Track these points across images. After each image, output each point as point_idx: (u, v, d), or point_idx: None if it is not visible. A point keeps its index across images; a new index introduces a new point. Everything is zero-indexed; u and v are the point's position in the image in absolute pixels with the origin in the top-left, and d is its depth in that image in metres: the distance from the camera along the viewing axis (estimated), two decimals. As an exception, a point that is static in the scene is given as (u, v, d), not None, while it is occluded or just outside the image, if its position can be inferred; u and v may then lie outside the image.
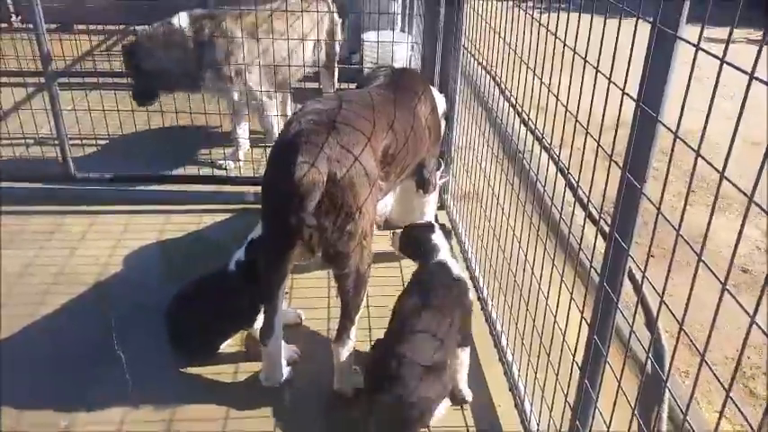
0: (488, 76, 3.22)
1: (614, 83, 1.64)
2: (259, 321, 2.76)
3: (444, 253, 2.73)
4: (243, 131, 4.57)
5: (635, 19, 1.51)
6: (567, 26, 1.91)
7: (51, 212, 3.90)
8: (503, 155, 3.12)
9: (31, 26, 3.82)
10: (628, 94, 1.56)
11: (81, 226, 3.78)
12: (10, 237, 3.66)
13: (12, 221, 3.80)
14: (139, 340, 2.90)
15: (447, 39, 3.69)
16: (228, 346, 2.89)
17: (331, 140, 2.35)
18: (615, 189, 1.65)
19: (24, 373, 2.73)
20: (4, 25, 6.94)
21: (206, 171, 4.23)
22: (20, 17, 7.14)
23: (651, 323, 3.25)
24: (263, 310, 2.67)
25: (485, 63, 3.24)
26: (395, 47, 4.90)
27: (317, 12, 4.43)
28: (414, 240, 2.83)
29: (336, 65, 4.99)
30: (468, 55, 3.59)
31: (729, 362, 3.12)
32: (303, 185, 2.24)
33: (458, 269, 2.68)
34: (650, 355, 1.52)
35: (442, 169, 3.69)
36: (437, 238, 2.78)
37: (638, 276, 3.13)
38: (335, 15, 4.77)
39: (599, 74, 1.70)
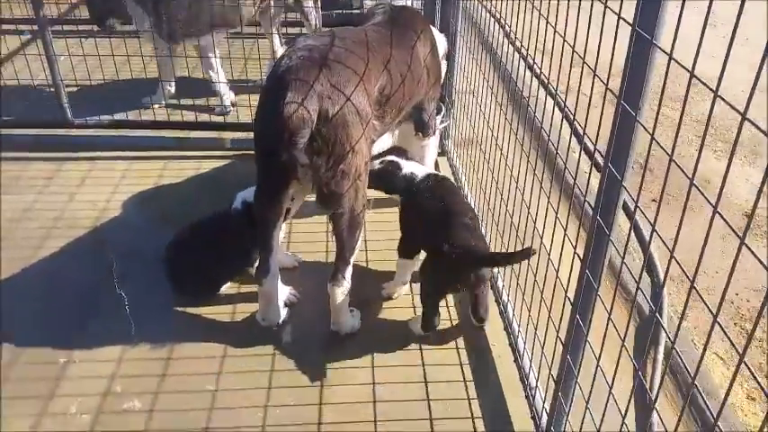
0: (491, 17, 3.13)
1: (610, 8, 1.58)
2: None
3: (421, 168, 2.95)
4: (216, 76, 4.42)
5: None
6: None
7: (50, 159, 3.89)
8: (505, 99, 3.06)
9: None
10: (623, 19, 1.51)
11: (79, 172, 3.77)
12: (9, 182, 3.66)
13: (10, 167, 3.80)
14: (138, 282, 2.92)
15: (448, -23, 3.58)
16: (227, 287, 2.91)
17: (322, 77, 2.30)
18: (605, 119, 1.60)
19: (23, 312, 2.77)
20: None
21: (204, 118, 4.18)
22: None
23: (651, 265, 3.24)
24: (261, 249, 2.67)
25: (487, 3, 3.14)
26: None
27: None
28: (387, 179, 2.90)
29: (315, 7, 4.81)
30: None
31: (728, 305, 3.12)
32: (293, 122, 2.20)
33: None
34: (644, 294, 1.50)
35: (442, 113, 3.63)
36: (406, 164, 2.92)
37: (642, 220, 3.13)
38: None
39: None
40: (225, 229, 2.84)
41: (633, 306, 1.56)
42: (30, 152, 3.93)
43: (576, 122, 1.92)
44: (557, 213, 2.01)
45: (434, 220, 2.66)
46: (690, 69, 1.22)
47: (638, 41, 1.44)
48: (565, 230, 1.93)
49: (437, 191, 2.80)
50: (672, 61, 1.30)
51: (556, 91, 2.13)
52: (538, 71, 2.43)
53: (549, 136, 2.18)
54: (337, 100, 2.32)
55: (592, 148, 2.36)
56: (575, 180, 1.86)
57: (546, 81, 2.32)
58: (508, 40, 3.05)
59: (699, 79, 1.25)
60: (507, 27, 2.67)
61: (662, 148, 1.37)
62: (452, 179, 3.71)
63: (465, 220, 2.63)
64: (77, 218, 3.36)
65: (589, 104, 1.82)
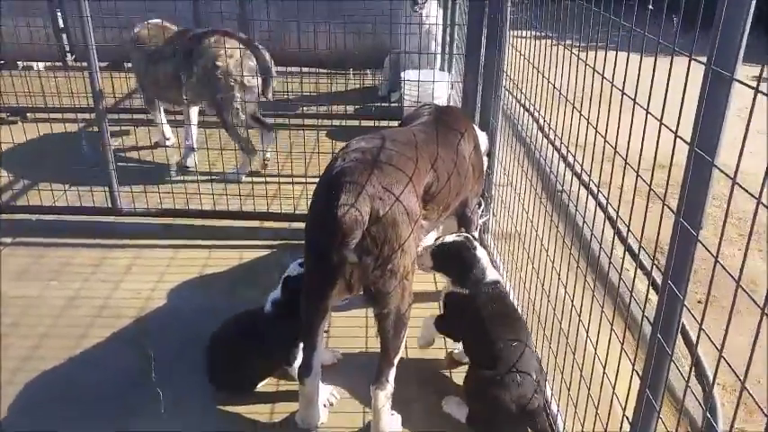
0: (528, 114, 3.20)
1: (666, 125, 1.59)
2: (297, 360, 2.73)
3: (492, 270, 2.84)
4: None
5: (687, 59, 1.46)
6: (614, 65, 1.87)
7: (97, 246, 3.99)
8: (544, 193, 3.07)
9: (84, 64, 3.98)
10: (681, 137, 1.51)
11: (126, 260, 3.85)
12: (58, 268, 3.74)
13: (60, 253, 3.90)
14: (178, 375, 2.90)
15: (488, 77, 3.69)
16: (266, 384, 2.87)
17: (373, 179, 2.35)
18: (661, 229, 1.59)
19: (65, 402, 2.75)
20: (59, 64, 7.25)
21: (248, 207, 4.27)
22: (74, 56, 7.46)
23: (702, 374, 3.10)
24: (301, 348, 2.65)
25: (525, 101, 3.21)
26: (435, 85, 4.92)
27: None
28: (454, 257, 2.82)
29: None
30: (509, 93, 3.58)
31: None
32: (345, 223, 2.23)
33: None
34: (706, 411, 1.43)
35: (482, 208, 3.65)
36: (481, 253, 2.83)
37: (692, 332, 3.01)
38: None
39: (650, 108, 1.66)
40: (259, 327, 2.83)
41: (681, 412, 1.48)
42: (78, 239, 4.04)
43: (620, 222, 1.91)
44: (612, 325, 1.95)
45: (491, 340, 2.59)
46: (732, 177, 1.21)
47: (696, 163, 1.44)
48: (621, 345, 1.87)
49: (500, 303, 2.74)
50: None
51: (598, 189, 2.13)
52: (577, 167, 2.44)
53: (600, 243, 2.16)
54: (388, 201, 2.36)
55: (648, 260, 2.32)
56: (631, 294, 1.82)
57: (587, 178, 2.33)
58: (545, 137, 3.10)
59: (742, 187, 1.23)
60: (548, 127, 2.71)
61: (708, 251, 1.35)
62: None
63: (525, 351, 2.55)
64: (121, 306, 3.40)
65: (632, 204, 1.81)
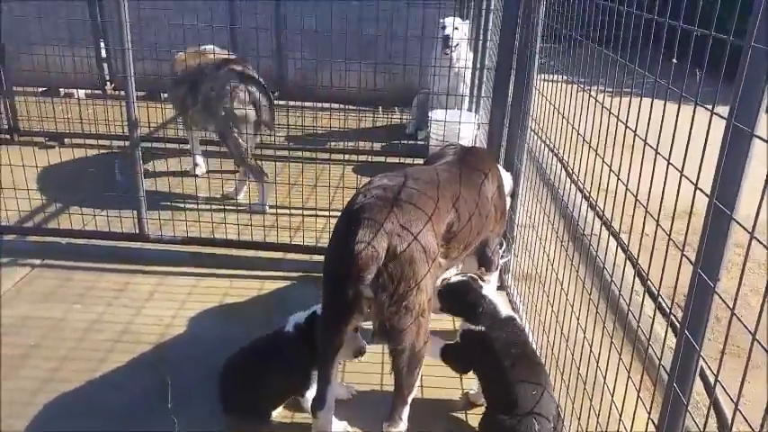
0: (553, 156, 3.22)
1: (686, 176, 1.60)
2: (311, 392, 2.73)
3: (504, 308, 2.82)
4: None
5: (709, 111, 1.48)
6: (639, 111, 1.90)
7: (122, 271, 4.06)
8: (566, 236, 3.07)
9: (122, 93, 4.13)
10: (701, 189, 1.52)
11: (149, 286, 3.92)
12: (83, 292, 3.82)
13: (85, 277, 3.98)
14: (194, 402, 2.92)
15: (514, 119, 3.73)
16: (281, 416, 2.87)
17: (392, 216, 2.38)
18: (683, 277, 1.58)
19: (82, 425, 2.78)
20: (98, 92, 7.51)
21: (272, 238, 4.33)
22: (113, 84, 7.72)
23: (724, 426, 3.02)
24: (315, 380, 2.65)
25: (550, 144, 3.24)
26: (461, 126, 4.98)
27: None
28: (459, 296, 2.82)
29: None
30: (534, 135, 3.61)
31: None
32: (361, 258, 2.27)
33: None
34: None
35: (503, 248, 3.65)
36: (487, 289, 2.83)
37: (710, 376, 2.95)
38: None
39: (673, 155, 1.67)
40: (276, 354, 2.83)
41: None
42: (105, 263, 4.12)
43: (649, 281, 1.90)
44: (629, 373, 1.93)
45: (510, 382, 2.56)
46: (750, 231, 1.21)
47: (715, 215, 1.45)
48: (638, 393, 1.85)
49: (518, 344, 2.71)
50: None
51: (619, 234, 2.13)
52: (600, 210, 2.45)
53: (620, 289, 2.15)
54: (406, 238, 2.39)
55: (667, 306, 2.30)
56: (648, 342, 1.81)
57: (609, 222, 2.33)
58: (570, 179, 3.11)
59: (759, 241, 1.23)
60: (572, 170, 2.73)
61: (744, 325, 1.34)
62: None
63: (544, 395, 2.52)
64: (142, 332, 3.45)
65: (652, 251, 1.80)
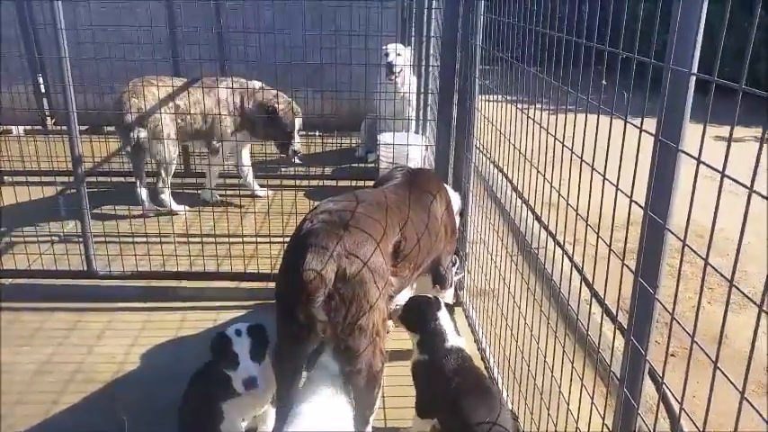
0: (500, 174, 3.32)
1: (621, 190, 1.70)
2: (271, 419, 2.71)
3: (453, 335, 2.80)
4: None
5: (638, 128, 1.58)
6: (574, 127, 1.99)
7: (71, 309, 3.95)
8: (516, 250, 3.16)
9: (64, 128, 4.05)
10: (635, 202, 1.62)
11: (100, 323, 3.82)
12: (30, 333, 3.70)
13: (32, 318, 3.85)
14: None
15: (459, 139, 3.83)
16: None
17: (339, 239, 2.42)
18: (626, 284, 1.67)
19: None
20: (38, 127, 7.31)
21: (225, 268, 4.29)
22: (54, 120, 7.54)
23: (675, 425, 3.14)
24: (275, 405, 2.64)
25: (495, 162, 3.34)
26: (409, 148, 5.07)
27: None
28: (420, 315, 2.83)
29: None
30: (480, 154, 3.72)
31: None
32: (310, 283, 2.30)
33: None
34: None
35: (457, 265, 3.72)
36: (443, 316, 2.82)
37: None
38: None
39: (606, 179, 1.77)
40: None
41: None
42: (53, 302, 4.00)
43: (584, 278, 1.99)
44: (582, 380, 2.01)
45: (458, 400, 2.55)
46: (682, 239, 1.30)
47: (651, 225, 1.54)
48: (591, 399, 1.93)
49: (467, 372, 2.69)
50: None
51: (573, 255, 2.22)
52: (545, 225, 2.55)
53: (568, 297, 2.23)
54: (354, 260, 2.42)
55: (613, 312, 2.40)
56: (598, 348, 1.89)
57: (554, 236, 2.43)
58: (517, 195, 3.22)
59: (692, 249, 1.32)
60: (517, 187, 2.83)
61: (683, 328, 1.42)
62: (469, 331, 3.73)
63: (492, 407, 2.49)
64: (95, 371, 3.36)
65: (596, 257, 1.89)
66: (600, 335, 2.06)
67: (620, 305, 2.00)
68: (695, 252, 1.36)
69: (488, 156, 3.43)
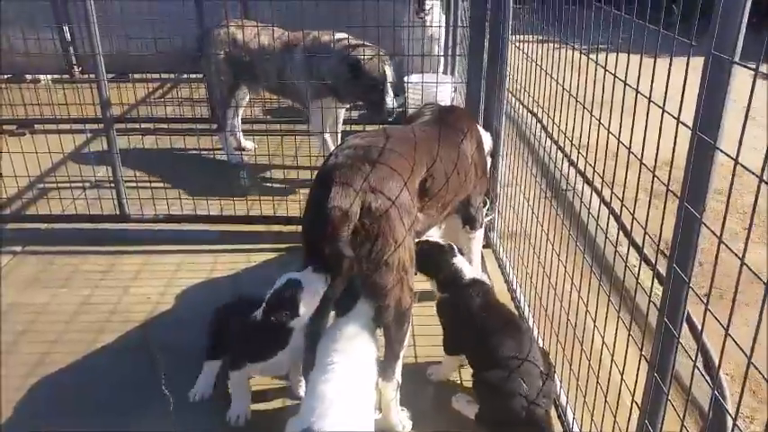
0: (531, 115, 3.22)
1: (668, 112, 1.61)
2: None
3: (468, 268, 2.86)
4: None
5: (686, 54, 1.48)
6: (615, 64, 1.89)
7: (106, 252, 4.02)
8: (550, 192, 3.08)
9: (92, 76, 4.03)
10: (683, 123, 1.53)
11: (134, 266, 3.88)
12: (67, 275, 3.78)
13: (69, 261, 3.93)
14: (186, 381, 2.90)
15: (491, 76, 3.71)
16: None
17: (364, 173, 2.38)
18: (669, 224, 1.60)
19: (73, 407, 2.78)
20: (66, 76, 7.33)
21: (255, 211, 4.30)
22: (81, 68, 7.54)
23: (709, 366, 3.10)
24: (306, 344, 2.65)
25: (528, 101, 3.23)
26: (438, 88, 4.94)
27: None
28: (428, 257, 2.84)
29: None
30: (511, 95, 3.60)
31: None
32: (336, 217, 2.27)
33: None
34: (714, 397, 1.44)
35: (487, 207, 3.66)
36: (452, 253, 2.86)
37: (697, 316, 3.00)
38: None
39: (651, 109, 1.67)
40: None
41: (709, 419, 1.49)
42: (87, 246, 4.07)
43: (626, 217, 1.92)
44: (618, 313, 1.96)
45: (483, 334, 2.58)
46: (734, 158, 1.23)
47: (699, 146, 1.46)
48: (629, 331, 1.88)
49: (486, 300, 2.73)
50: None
51: (602, 186, 2.14)
52: (581, 164, 2.45)
53: (606, 238, 2.17)
54: (379, 194, 2.38)
55: (653, 246, 2.33)
56: (637, 282, 1.83)
57: (591, 175, 2.34)
58: (548, 136, 3.12)
59: (744, 167, 1.25)
60: (551, 126, 2.73)
61: (734, 253, 1.35)
62: (499, 272, 3.69)
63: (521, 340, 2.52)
64: (131, 311, 3.42)
65: (636, 200, 1.82)
66: (639, 271, 2.00)
67: (659, 247, 1.91)
68: (748, 170, 1.27)
69: (522, 93, 3.31)
